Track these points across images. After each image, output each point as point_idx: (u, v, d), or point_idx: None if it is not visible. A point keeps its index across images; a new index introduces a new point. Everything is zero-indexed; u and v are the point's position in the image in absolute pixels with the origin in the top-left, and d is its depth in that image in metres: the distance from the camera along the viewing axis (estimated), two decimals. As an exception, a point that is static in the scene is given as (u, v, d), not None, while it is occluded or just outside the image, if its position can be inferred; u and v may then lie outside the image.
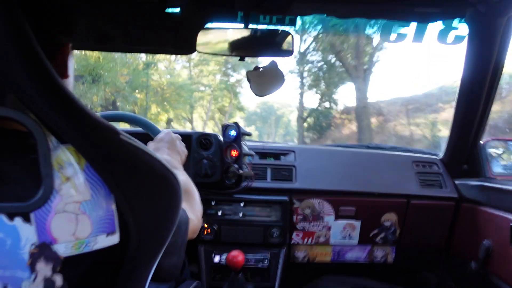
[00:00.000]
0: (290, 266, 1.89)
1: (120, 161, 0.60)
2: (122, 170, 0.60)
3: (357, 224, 1.84)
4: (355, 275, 2.06)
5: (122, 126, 1.82)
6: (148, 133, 1.46)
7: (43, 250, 0.54)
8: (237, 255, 1.61)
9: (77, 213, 0.56)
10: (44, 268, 0.53)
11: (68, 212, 0.55)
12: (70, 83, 0.74)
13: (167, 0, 1.34)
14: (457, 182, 1.89)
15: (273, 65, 1.39)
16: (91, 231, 0.57)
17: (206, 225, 1.77)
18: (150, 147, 1.21)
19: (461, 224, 1.82)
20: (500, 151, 1.95)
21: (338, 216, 1.83)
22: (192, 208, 1.00)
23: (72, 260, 0.55)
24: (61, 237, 0.55)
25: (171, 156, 1.15)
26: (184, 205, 0.89)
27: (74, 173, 0.56)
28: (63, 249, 0.55)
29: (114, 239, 0.59)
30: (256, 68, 1.39)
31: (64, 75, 0.70)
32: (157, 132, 1.43)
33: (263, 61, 1.40)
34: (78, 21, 0.76)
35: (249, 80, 1.39)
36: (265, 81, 1.40)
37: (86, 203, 0.56)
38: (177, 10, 1.42)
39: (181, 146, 1.26)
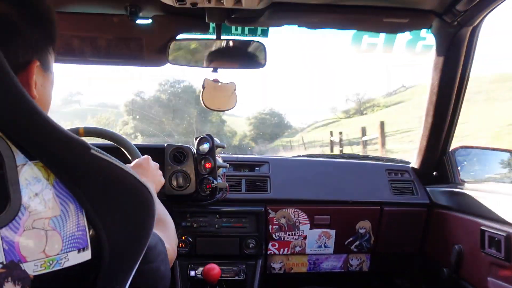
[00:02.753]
0: (267, 277, 1.88)
1: (91, 176, 0.59)
2: (93, 185, 0.59)
3: (332, 232, 1.85)
4: (331, 285, 2.06)
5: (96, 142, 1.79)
6: (120, 149, 1.45)
7: (11, 269, 0.51)
8: (213, 268, 1.59)
9: (46, 229, 0.54)
10: None
11: (37, 228, 0.53)
12: (43, 104, 0.72)
13: (137, 12, 1.33)
14: (428, 188, 1.92)
15: (232, 87, 1.41)
16: (61, 248, 0.55)
17: (183, 237, 1.74)
18: None
19: (434, 229, 1.85)
20: (468, 158, 2.00)
21: (313, 225, 1.83)
22: (167, 238, 0.99)
23: (42, 279, 0.53)
24: (30, 255, 0.53)
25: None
26: (160, 235, 0.88)
27: (43, 188, 0.55)
28: (32, 268, 0.53)
29: (86, 255, 0.57)
30: (216, 80, 1.39)
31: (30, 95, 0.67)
32: (136, 155, 1.42)
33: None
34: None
35: (203, 87, 1.39)
36: (218, 96, 1.41)
37: (56, 219, 0.55)
38: (148, 21, 1.41)
39: (158, 175, 1.23)
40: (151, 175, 1.18)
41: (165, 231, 1.01)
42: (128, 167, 0.65)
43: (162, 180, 1.24)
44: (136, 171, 1.15)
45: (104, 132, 1.50)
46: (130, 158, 1.42)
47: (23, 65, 0.66)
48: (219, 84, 1.39)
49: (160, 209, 1.09)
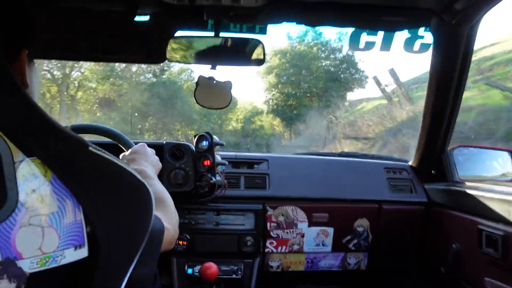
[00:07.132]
0: (264, 276, 1.88)
1: (89, 173, 0.59)
2: (91, 181, 0.59)
3: (330, 230, 1.85)
4: (329, 284, 2.06)
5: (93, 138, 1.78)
6: (118, 145, 1.44)
7: (7, 266, 0.51)
8: (211, 267, 1.59)
9: (43, 226, 0.54)
10: (7, 287, 0.51)
11: (33, 225, 0.53)
12: (33, 94, 0.72)
13: (136, 9, 1.33)
14: (426, 187, 1.93)
15: (227, 85, 1.40)
16: (58, 245, 0.55)
17: (181, 236, 1.74)
18: (124, 159, 1.20)
19: (431, 228, 1.85)
20: (466, 157, 2.00)
21: (311, 223, 1.83)
22: (167, 217, 0.98)
23: (38, 277, 0.53)
24: (26, 252, 0.52)
25: (145, 167, 1.13)
26: (159, 215, 0.88)
27: (40, 185, 0.55)
28: (28, 265, 0.52)
29: (83, 252, 0.57)
30: (211, 78, 1.39)
31: (22, 84, 0.68)
32: (129, 144, 1.41)
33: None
34: (41, 29, 0.75)
35: (197, 84, 1.39)
36: (212, 94, 1.40)
37: (53, 216, 0.55)
38: (146, 18, 1.41)
39: (155, 159, 1.25)
40: (149, 159, 1.19)
41: (165, 211, 1.01)
42: (127, 165, 0.65)
43: (159, 165, 1.26)
44: (133, 156, 1.16)
45: (93, 127, 1.48)
46: (124, 149, 1.41)
47: (16, 53, 0.66)
48: (214, 82, 1.39)
49: (160, 188, 1.09)
